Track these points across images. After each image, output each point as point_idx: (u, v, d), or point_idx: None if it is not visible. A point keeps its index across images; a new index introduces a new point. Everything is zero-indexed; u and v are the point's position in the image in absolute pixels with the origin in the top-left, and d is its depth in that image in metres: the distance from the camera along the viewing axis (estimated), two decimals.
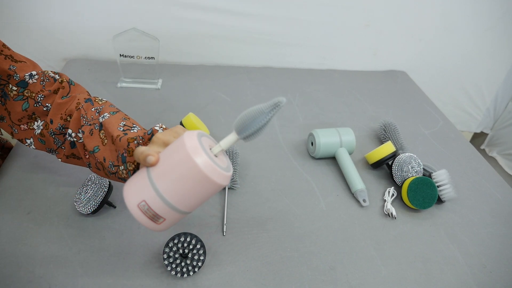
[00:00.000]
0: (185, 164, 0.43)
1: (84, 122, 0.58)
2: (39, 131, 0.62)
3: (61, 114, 0.60)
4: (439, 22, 1.32)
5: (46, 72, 0.63)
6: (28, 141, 0.63)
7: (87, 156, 0.59)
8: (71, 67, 1.15)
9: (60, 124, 0.60)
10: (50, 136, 0.61)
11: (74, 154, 0.62)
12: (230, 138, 0.46)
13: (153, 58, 1.03)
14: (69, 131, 0.60)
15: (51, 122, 0.60)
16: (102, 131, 0.56)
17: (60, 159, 0.64)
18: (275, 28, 1.23)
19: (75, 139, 0.59)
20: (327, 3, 1.19)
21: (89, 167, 0.61)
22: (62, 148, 0.62)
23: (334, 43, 1.30)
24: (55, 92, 0.62)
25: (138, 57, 1.02)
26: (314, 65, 1.34)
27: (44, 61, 1.17)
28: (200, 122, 0.87)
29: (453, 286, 0.66)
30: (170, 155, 0.45)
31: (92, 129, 0.57)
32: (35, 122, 0.61)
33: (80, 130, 0.59)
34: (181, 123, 0.85)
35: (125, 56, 1.02)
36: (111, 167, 0.55)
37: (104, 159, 0.55)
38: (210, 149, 0.46)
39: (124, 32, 0.97)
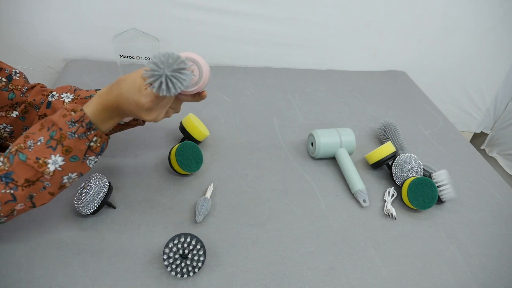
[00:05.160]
0: None
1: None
2: (15, 115, 0.69)
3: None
4: (439, 23, 1.32)
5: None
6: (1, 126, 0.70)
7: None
8: (71, 67, 1.15)
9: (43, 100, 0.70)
10: (33, 108, 0.70)
11: (47, 114, 0.69)
12: None
13: None
14: (54, 92, 0.70)
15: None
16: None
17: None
18: (275, 29, 1.23)
19: (56, 98, 0.69)
20: (327, 3, 1.19)
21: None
22: (37, 110, 0.70)
23: (334, 43, 1.30)
24: (34, 87, 0.71)
25: (138, 58, 1.02)
26: (314, 65, 1.34)
27: (44, 61, 1.17)
28: (200, 122, 0.87)
29: (453, 287, 0.66)
30: None
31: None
32: (14, 111, 0.69)
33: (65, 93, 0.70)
34: (181, 123, 0.85)
35: (125, 57, 1.02)
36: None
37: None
38: None
39: (124, 32, 0.97)
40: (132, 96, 0.54)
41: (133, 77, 0.55)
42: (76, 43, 1.16)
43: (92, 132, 0.55)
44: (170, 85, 0.50)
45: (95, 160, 0.58)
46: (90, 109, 0.55)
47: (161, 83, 0.49)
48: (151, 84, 0.51)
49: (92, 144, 0.56)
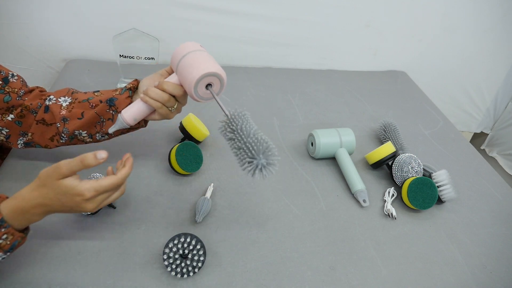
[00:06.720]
0: None
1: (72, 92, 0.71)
2: (10, 118, 0.68)
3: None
4: (439, 23, 1.32)
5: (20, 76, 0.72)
6: None
7: (62, 113, 0.68)
8: (70, 67, 1.15)
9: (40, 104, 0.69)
10: (30, 113, 0.68)
11: (45, 119, 0.68)
12: None
13: (153, 58, 1.03)
14: (51, 96, 0.69)
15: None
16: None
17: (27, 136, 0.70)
18: (275, 28, 1.23)
19: (53, 102, 0.68)
20: (327, 3, 1.19)
21: (64, 120, 0.68)
22: (34, 114, 0.69)
23: (334, 43, 1.30)
24: (32, 91, 0.70)
25: (138, 58, 1.02)
26: (314, 65, 1.34)
27: (44, 61, 1.17)
28: (199, 122, 0.87)
29: (453, 286, 0.66)
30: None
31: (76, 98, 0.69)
32: (10, 114, 0.67)
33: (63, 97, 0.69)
34: (181, 123, 0.85)
35: (125, 57, 1.02)
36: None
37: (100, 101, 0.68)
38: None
39: (124, 32, 0.97)
40: (68, 193, 0.52)
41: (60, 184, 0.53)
42: (76, 43, 1.16)
43: (3, 230, 0.50)
44: (264, 171, 0.55)
45: (3, 257, 0.52)
46: (4, 206, 0.51)
47: (255, 169, 0.55)
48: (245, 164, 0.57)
49: (0, 241, 0.50)
